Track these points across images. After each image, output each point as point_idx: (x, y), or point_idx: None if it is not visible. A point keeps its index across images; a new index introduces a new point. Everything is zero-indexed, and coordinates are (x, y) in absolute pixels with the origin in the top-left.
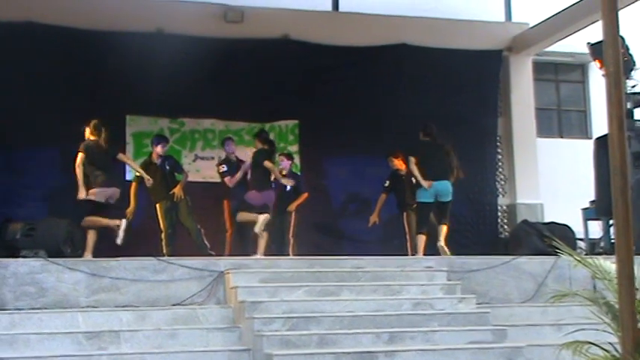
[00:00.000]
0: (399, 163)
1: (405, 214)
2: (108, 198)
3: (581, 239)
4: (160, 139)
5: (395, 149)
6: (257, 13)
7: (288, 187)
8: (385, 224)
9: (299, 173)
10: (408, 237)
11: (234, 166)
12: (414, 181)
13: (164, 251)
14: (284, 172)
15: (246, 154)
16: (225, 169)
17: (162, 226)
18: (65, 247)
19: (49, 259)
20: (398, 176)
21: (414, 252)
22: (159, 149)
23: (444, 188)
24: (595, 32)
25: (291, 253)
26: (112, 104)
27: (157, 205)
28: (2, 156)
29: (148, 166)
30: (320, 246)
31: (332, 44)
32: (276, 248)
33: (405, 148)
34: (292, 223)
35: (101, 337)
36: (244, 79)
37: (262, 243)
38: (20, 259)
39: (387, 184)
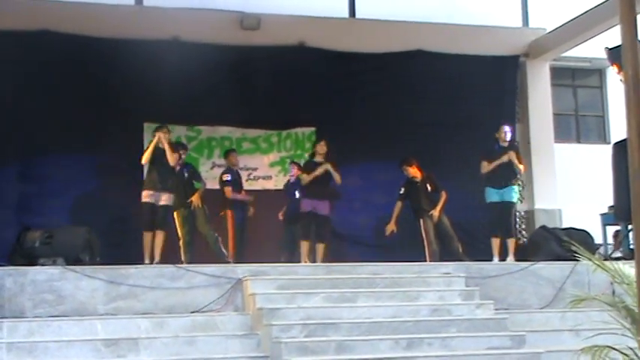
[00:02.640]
0: (413, 171)
1: (421, 220)
2: None
3: (599, 244)
4: (179, 146)
5: (408, 157)
6: (273, 20)
7: (297, 195)
8: (402, 230)
9: None
10: (425, 243)
11: (237, 177)
12: (429, 188)
13: (182, 259)
14: (292, 180)
15: (262, 161)
16: (228, 178)
17: (180, 233)
18: (84, 255)
19: (68, 266)
20: (413, 183)
21: (432, 259)
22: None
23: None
24: (612, 37)
25: (302, 261)
26: (130, 112)
27: (175, 213)
28: (20, 164)
29: None
30: (338, 252)
31: (348, 51)
32: (287, 257)
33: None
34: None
35: (119, 344)
36: (261, 86)
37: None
38: (38, 267)
39: (402, 191)
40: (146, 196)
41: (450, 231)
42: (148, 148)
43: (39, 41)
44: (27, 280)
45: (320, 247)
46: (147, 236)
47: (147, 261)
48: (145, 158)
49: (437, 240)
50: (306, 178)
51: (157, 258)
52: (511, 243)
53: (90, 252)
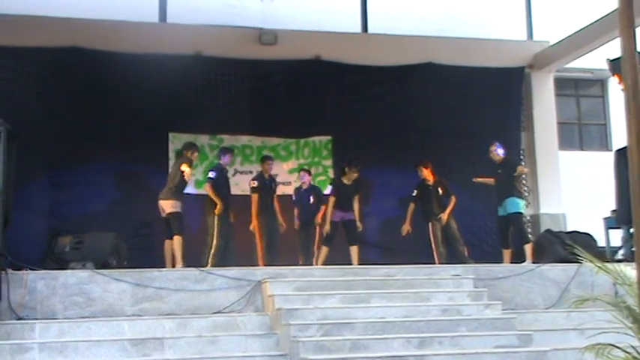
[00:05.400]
0: (427, 173)
1: (430, 224)
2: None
3: (602, 247)
4: (226, 150)
5: (424, 160)
6: (290, 36)
7: (312, 200)
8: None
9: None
10: (433, 246)
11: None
12: (440, 192)
13: (209, 262)
14: (305, 187)
15: (281, 168)
16: (255, 184)
17: (216, 237)
18: (111, 259)
19: (96, 270)
20: (425, 186)
21: (441, 261)
22: (226, 160)
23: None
24: (613, 49)
25: (315, 263)
26: (156, 123)
27: (217, 216)
28: (51, 174)
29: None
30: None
31: (362, 64)
32: (303, 260)
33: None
34: (317, 236)
35: (145, 344)
36: (279, 97)
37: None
38: (69, 271)
39: (414, 193)
40: (176, 206)
41: (456, 235)
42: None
43: (68, 57)
44: (58, 283)
45: (354, 250)
46: (180, 240)
47: (179, 265)
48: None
49: (444, 243)
50: (325, 220)
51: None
52: (527, 249)
53: (117, 256)
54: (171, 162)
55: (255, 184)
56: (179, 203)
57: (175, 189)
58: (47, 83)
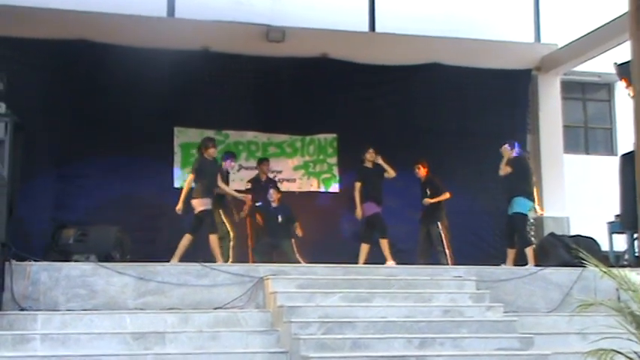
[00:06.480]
0: (420, 172)
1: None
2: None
3: (606, 252)
4: (230, 154)
5: (421, 159)
6: (297, 33)
7: (280, 220)
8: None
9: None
10: (445, 246)
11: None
12: (428, 192)
13: (229, 256)
14: (274, 204)
15: (287, 165)
16: (249, 187)
17: (232, 234)
18: (115, 252)
19: (100, 263)
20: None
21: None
22: (228, 164)
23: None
24: (621, 53)
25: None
26: (161, 117)
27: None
28: (56, 166)
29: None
30: (353, 254)
31: (368, 63)
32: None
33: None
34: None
35: (147, 337)
36: (285, 94)
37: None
38: (72, 263)
39: None
40: (206, 203)
41: (436, 240)
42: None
43: (75, 50)
44: (61, 275)
45: (384, 243)
46: (215, 239)
47: (219, 262)
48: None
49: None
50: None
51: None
52: (528, 252)
53: (121, 249)
54: (177, 156)
55: (249, 186)
56: (208, 201)
57: (203, 187)
58: (54, 76)
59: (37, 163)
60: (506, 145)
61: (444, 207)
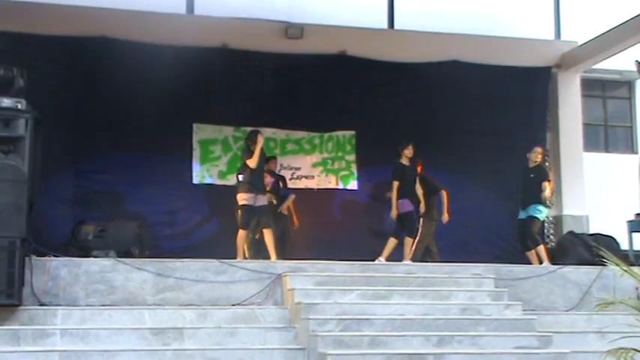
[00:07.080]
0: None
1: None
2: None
3: (625, 250)
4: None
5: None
6: (316, 30)
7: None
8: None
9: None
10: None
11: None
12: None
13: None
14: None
15: (305, 161)
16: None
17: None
18: (134, 248)
19: (119, 259)
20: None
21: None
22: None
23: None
24: None
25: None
26: (180, 113)
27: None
28: (76, 163)
29: None
30: (377, 252)
31: (387, 60)
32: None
33: None
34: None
35: (165, 333)
36: (304, 91)
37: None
38: (92, 259)
39: None
40: (248, 198)
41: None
42: (254, 152)
43: (95, 46)
44: (81, 271)
45: (409, 242)
46: (243, 235)
47: (240, 258)
48: (256, 162)
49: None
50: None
51: (273, 256)
52: (540, 251)
53: (140, 245)
54: (195, 152)
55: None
56: (250, 195)
57: (244, 182)
58: (74, 72)
59: (57, 159)
60: (538, 151)
61: (435, 204)
